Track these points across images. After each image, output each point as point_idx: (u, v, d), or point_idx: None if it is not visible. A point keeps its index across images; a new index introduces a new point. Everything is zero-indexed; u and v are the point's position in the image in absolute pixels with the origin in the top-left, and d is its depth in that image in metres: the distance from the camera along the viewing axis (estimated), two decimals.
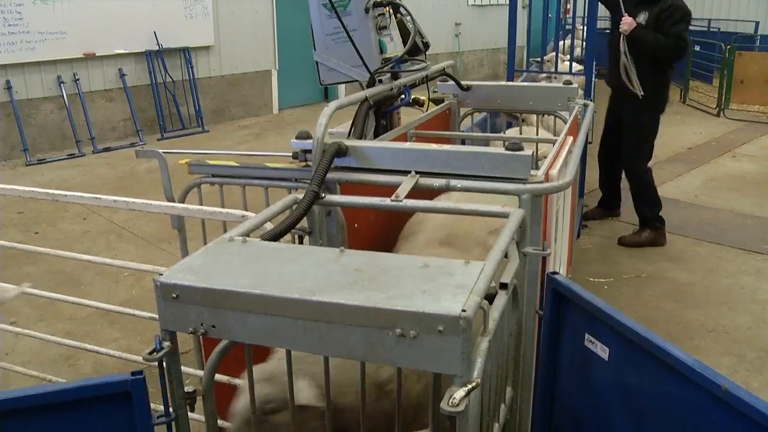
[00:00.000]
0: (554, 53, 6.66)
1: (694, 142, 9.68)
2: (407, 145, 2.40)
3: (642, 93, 5.54)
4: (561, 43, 8.05)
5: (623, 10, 5.53)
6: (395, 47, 3.27)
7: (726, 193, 7.45)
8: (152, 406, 1.77)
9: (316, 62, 3.25)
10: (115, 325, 4.62)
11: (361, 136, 2.66)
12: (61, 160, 8.84)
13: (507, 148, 2.20)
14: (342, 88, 10.92)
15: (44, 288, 3.60)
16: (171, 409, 1.80)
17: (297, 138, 2.56)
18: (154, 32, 9.72)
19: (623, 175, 6.31)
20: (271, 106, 11.73)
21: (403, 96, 3.15)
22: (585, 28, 6.34)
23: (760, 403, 1.59)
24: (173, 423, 1.81)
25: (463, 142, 3.72)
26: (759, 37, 14.80)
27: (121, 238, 6.23)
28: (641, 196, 6.05)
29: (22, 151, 8.69)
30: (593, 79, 6.03)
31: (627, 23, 5.52)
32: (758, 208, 6.93)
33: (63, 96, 9.05)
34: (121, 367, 3.72)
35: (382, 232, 2.74)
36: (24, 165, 8.57)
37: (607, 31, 7.36)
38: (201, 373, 2.13)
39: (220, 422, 1.96)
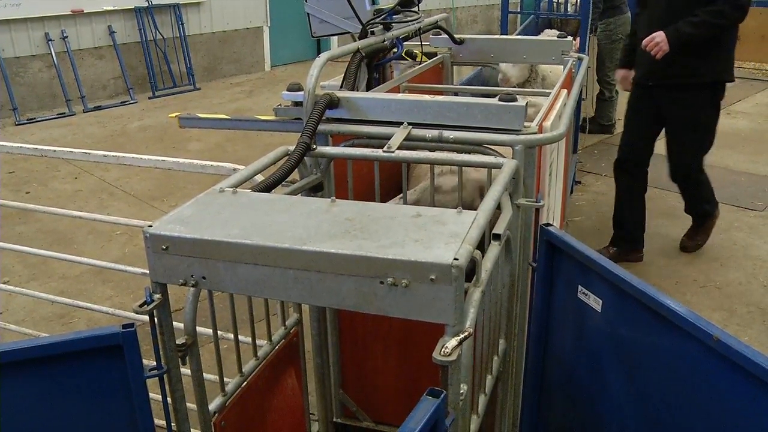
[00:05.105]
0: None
1: None
2: (400, 96, 2.36)
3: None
4: None
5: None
6: None
7: (720, 150, 7.40)
8: (144, 362, 1.76)
9: (308, 14, 3.19)
10: (108, 283, 4.62)
11: (353, 88, 2.62)
12: (51, 119, 8.73)
13: (500, 99, 2.17)
14: (334, 42, 10.78)
15: (37, 247, 3.59)
16: (163, 362, 1.79)
17: (288, 90, 2.53)
18: None
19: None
20: (263, 63, 11.58)
21: (395, 49, 3.10)
22: None
23: (750, 351, 1.59)
24: (165, 376, 1.80)
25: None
26: None
27: (113, 196, 6.20)
28: (702, 196, 4.91)
29: (11, 110, 8.58)
30: (588, 33, 5.93)
31: (656, 44, 4.07)
32: (752, 165, 6.92)
33: (52, 54, 8.90)
34: (115, 324, 3.72)
35: (373, 186, 2.70)
36: (13, 125, 8.46)
37: None
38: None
39: (205, 375, 1.96)
